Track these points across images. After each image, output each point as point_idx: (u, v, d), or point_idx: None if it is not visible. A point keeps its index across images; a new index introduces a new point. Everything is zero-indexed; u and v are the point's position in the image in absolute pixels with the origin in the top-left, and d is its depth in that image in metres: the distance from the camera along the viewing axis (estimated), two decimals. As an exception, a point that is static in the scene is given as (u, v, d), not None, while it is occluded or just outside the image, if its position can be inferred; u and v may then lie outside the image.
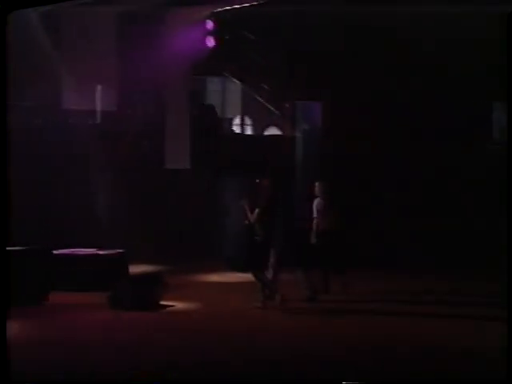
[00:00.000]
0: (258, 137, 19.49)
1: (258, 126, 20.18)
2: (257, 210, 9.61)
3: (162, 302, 9.68)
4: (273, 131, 20.35)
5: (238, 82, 17.69)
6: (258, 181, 9.95)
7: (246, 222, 9.89)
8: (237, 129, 18.92)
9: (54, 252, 10.80)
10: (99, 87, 15.06)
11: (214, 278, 12.47)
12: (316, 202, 11.03)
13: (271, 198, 9.66)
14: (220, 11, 16.07)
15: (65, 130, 14.78)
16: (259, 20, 16.41)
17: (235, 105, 17.65)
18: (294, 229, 10.67)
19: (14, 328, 8.01)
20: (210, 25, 16.09)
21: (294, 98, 18.19)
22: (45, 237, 11.63)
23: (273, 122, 20.13)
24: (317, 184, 11.10)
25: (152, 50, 15.26)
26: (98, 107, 15.11)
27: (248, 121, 19.19)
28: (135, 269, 12.09)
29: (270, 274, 9.77)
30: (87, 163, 14.72)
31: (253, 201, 9.91)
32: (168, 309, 9.50)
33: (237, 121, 18.89)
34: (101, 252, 11.46)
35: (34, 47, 14.47)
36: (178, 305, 9.74)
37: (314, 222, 10.97)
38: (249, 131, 19.54)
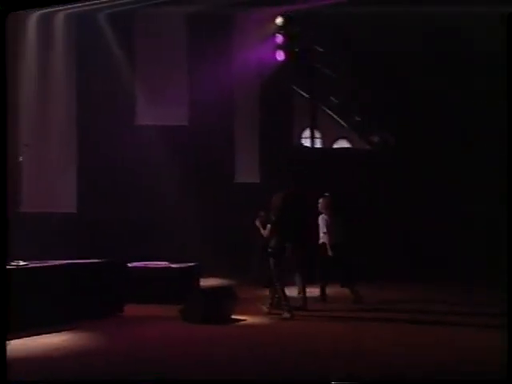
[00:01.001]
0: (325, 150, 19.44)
1: (327, 140, 20.13)
2: (268, 226, 10.07)
3: (234, 316, 9.73)
4: (342, 144, 20.27)
5: (306, 95, 17.70)
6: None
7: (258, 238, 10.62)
8: (306, 142, 18.91)
9: (129, 265, 11.01)
10: (169, 99, 15.24)
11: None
12: (321, 217, 11.51)
13: (282, 211, 9.79)
14: (290, 25, 16.14)
15: (135, 142, 15.00)
16: (329, 32, 16.39)
17: (304, 118, 17.64)
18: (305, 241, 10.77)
19: (90, 339, 8.20)
20: (279, 38, 16.21)
21: (364, 110, 18.07)
22: (120, 250, 11.88)
23: (342, 135, 20.06)
24: (320, 200, 11.54)
25: (222, 63, 15.43)
26: (168, 120, 15.29)
27: (317, 134, 19.15)
28: (206, 282, 12.22)
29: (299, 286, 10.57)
30: (158, 176, 14.89)
31: (266, 217, 10.62)
32: (239, 323, 9.53)
33: (306, 134, 18.88)
34: (173, 265, 11.63)
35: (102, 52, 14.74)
36: (249, 319, 9.75)
37: (325, 236, 11.50)
38: (318, 144, 19.50)
